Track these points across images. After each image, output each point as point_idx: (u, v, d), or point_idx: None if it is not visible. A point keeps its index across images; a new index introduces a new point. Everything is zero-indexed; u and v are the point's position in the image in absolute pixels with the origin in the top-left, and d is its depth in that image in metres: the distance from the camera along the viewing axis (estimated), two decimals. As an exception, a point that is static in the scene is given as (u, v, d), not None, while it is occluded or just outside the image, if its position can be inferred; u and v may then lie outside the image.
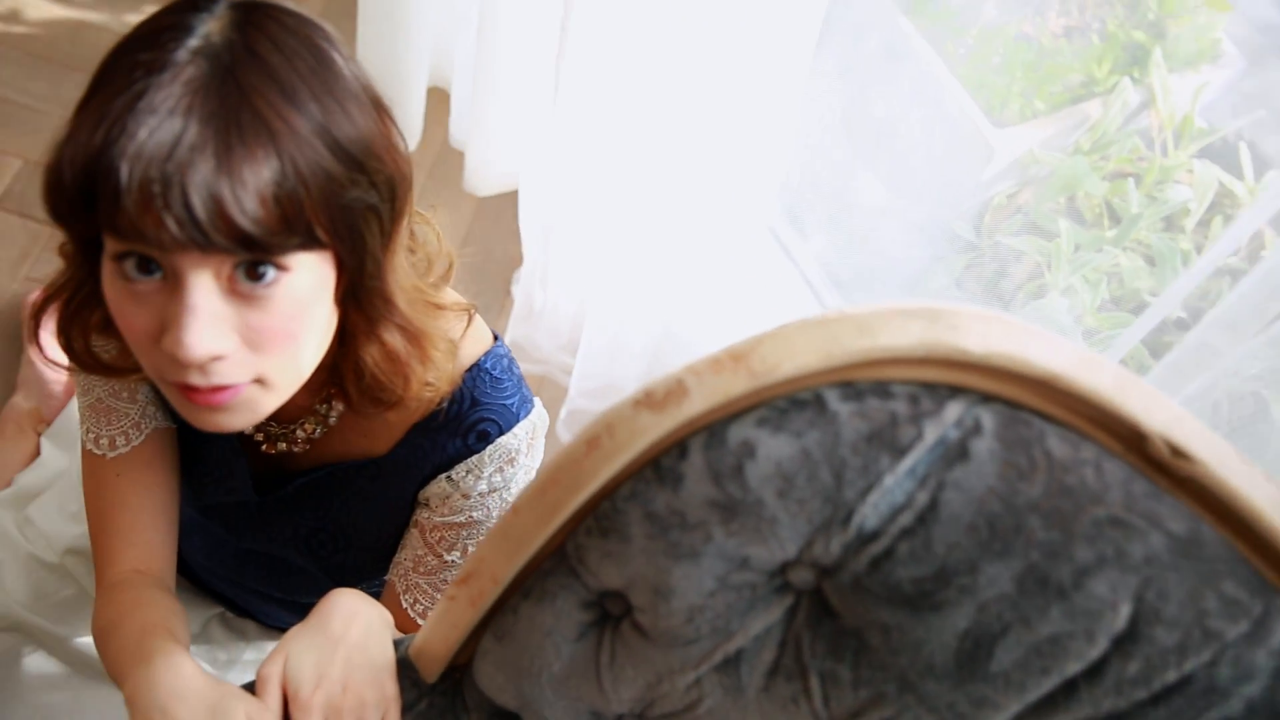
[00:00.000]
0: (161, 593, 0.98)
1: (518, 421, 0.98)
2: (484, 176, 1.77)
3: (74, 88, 1.88)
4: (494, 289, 1.83)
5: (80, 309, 0.88)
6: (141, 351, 0.79)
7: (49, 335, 0.94)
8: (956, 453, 0.63)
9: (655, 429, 0.67)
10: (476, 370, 0.97)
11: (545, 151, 1.55)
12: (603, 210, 1.56)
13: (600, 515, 0.72)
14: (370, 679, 0.86)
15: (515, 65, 1.57)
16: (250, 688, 0.85)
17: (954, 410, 0.64)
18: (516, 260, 1.81)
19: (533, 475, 1.04)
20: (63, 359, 0.94)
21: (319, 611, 0.90)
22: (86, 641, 1.31)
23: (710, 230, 1.50)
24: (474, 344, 0.98)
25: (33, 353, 0.95)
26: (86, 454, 1.02)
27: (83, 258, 0.83)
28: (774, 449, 0.65)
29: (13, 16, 1.98)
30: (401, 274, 0.86)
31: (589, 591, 0.76)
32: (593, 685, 0.78)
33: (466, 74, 1.70)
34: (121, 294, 0.76)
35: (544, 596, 0.77)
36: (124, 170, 0.68)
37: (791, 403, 0.66)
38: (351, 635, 0.88)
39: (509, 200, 1.85)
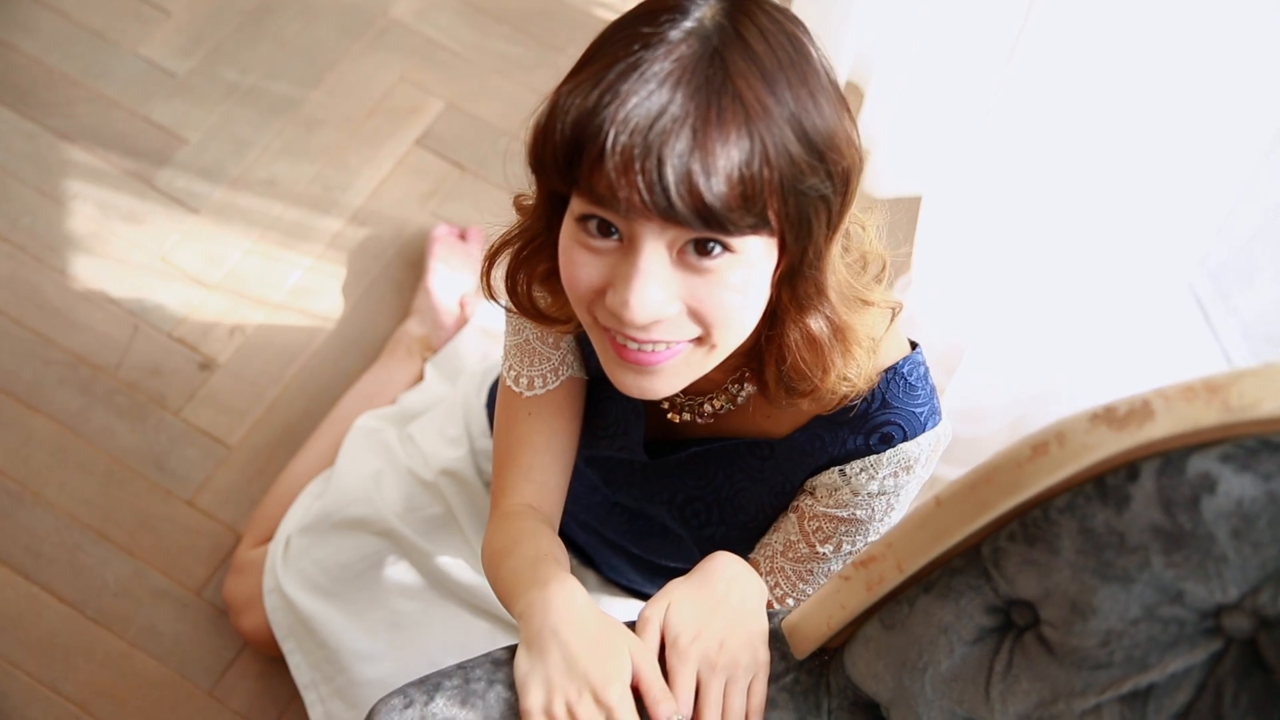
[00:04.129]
0: (549, 528, 1.10)
1: (923, 431, 1.03)
2: (885, 179, 1.83)
3: (501, 40, 2.11)
4: (871, 296, 1.91)
5: (530, 258, 1.01)
6: (582, 303, 0.90)
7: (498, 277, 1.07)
8: None
9: (1109, 445, 0.71)
10: (893, 373, 1.03)
11: (961, 167, 1.60)
12: (1008, 237, 1.59)
13: (1029, 522, 0.77)
14: (745, 642, 0.94)
15: (951, 77, 1.62)
16: (631, 626, 0.95)
17: None
18: (901, 266, 1.86)
19: (919, 488, 1.09)
20: (505, 299, 1.06)
21: (704, 569, 0.99)
22: (446, 561, 1.48)
23: (1123, 278, 1.50)
24: (894, 348, 1.04)
25: (486, 297, 1.08)
26: (505, 389, 1.15)
27: (544, 211, 0.95)
28: (1236, 487, 0.68)
29: (458, -34, 2.23)
30: (836, 266, 0.93)
31: (998, 596, 0.81)
32: (979, 692, 0.83)
33: (887, 75, 1.77)
34: (577, 248, 0.87)
35: (947, 593, 0.83)
36: (611, 134, 0.79)
37: (1263, 444, 0.68)
38: (733, 598, 0.97)
39: (904, 206, 1.91)
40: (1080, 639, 0.76)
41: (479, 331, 1.78)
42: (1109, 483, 0.73)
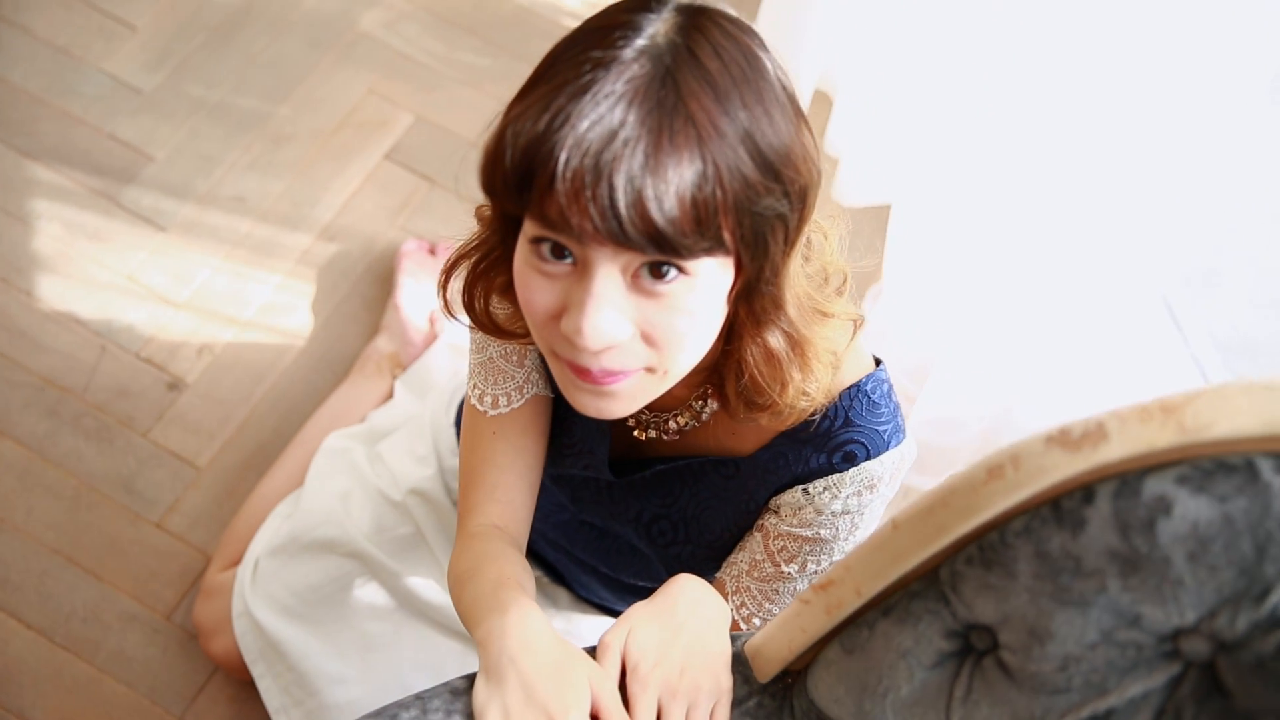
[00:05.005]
0: (514, 550, 1.09)
1: (887, 450, 1.02)
2: (854, 187, 1.82)
3: (469, 51, 2.09)
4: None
5: (487, 271, 0.99)
6: (538, 326, 0.89)
7: (454, 290, 1.05)
8: (1401, 549, 0.63)
9: (1065, 468, 0.70)
10: (855, 391, 1.01)
11: (929, 176, 1.59)
12: (977, 244, 1.58)
13: (986, 546, 0.76)
14: (707, 667, 0.92)
15: (919, 87, 1.61)
16: (591, 652, 0.94)
17: (1404, 504, 0.64)
18: (872, 275, 1.85)
19: (884, 507, 1.08)
20: (463, 315, 1.04)
21: (666, 593, 0.97)
22: (416, 582, 1.46)
23: (1093, 289, 1.49)
24: (856, 365, 1.02)
25: (444, 313, 1.06)
26: (470, 408, 1.14)
27: (499, 226, 0.94)
28: (1192, 509, 0.67)
29: (425, -22, 2.22)
30: (795, 280, 0.92)
31: (956, 621, 0.79)
32: (940, 717, 0.82)
33: (855, 84, 1.76)
34: (531, 271, 0.86)
35: (906, 617, 0.82)
36: (562, 158, 0.77)
37: (1219, 465, 0.67)
38: (695, 622, 0.95)
39: (873, 214, 1.90)
40: (1039, 664, 0.75)
41: (448, 348, 1.77)
42: (1065, 506, 0.72)
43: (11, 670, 1.62)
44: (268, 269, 1.92)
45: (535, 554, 1.47)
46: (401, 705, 0.92)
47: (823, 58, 1.83)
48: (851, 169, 1.81)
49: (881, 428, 1.02)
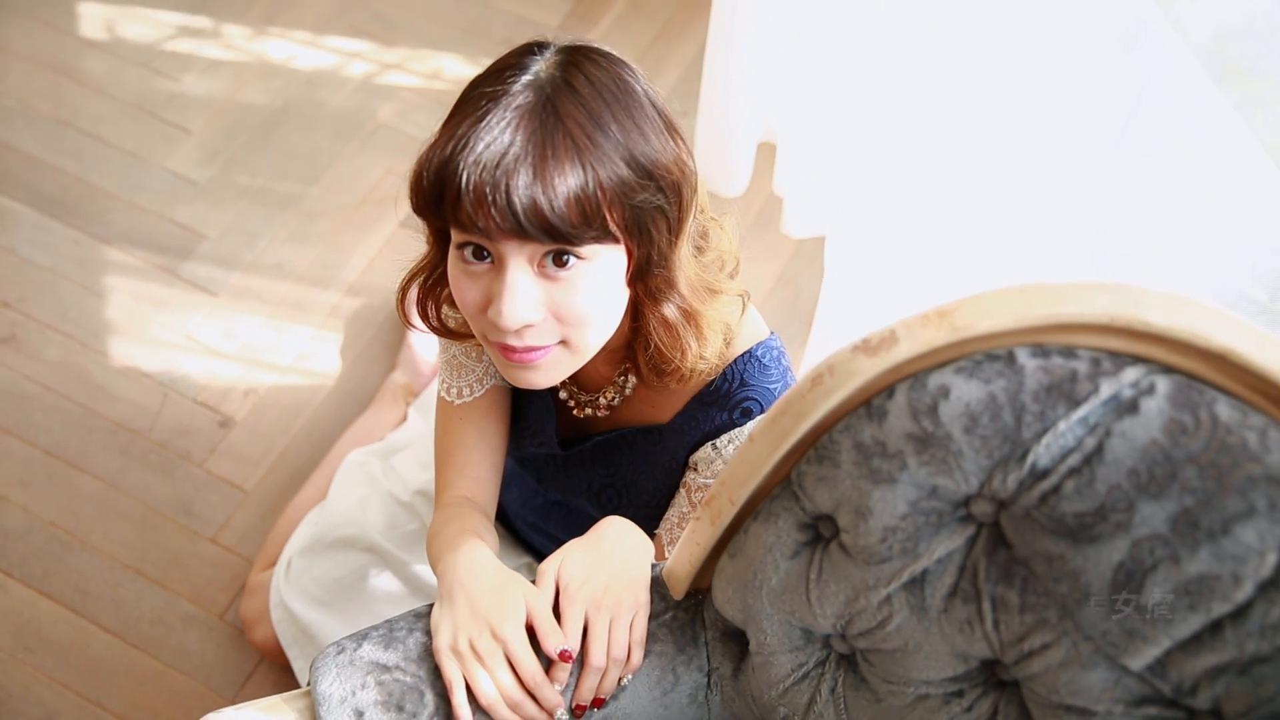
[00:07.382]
0: (480, 514, 1.17)
1: None
2: (800, 221, 1.91)
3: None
4: (800, 322, 1.97)
5: (434, 286, 1.09)
6: (471, 317, 0.99)
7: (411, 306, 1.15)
8: (1127, 407, 0.70)
9: (868, 370, 0.78)
10: (749, 356, 1.09)
11: (855, 202, 1.67)
12: (900, 262, 1.65)
13: (819, 446, 0.83)
14: (628, 587, 1.00)
15: (841, 124, 1.70)
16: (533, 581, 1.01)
17: (1132, 374, 0.71)
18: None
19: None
20: (420, 324, 1.14)
21: (596, 530, 1.05)
22: (422, 569, 1.53)
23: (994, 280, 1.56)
24: (751, 335, 1.11)
25: (403, 324, 1.16)
26: (440, 400, 1.23)
27: (437, 246, 1.04)
28: (965, 392, 0.74)
29: (434, 75, 2.35)
30: (686, 264, 1.01)
31: (805, 514, 0.86)
32: (802, 600, 0.88)
33: (792, 138, 1.86)
34: (460, 274, 0.96)
35: (770, 517, 0.89)
36: (464, 175, 0.88)
37: (986, 356, 0.75)
38: (619, 552, 1.02)
39: (821, 244, 1.98)
40: (865, 538, 0.81)
41: (453, 376, 1.86)
42: (874, 403, 0.79)
43: (92, 667, 1.71)
44: (303, 323, 2.03)
45: (523, 541, 1.54)
46: (374, 627, 1.00)
47: (763, 118, 1.93)
48: (794, 206, 1.89)
49: (772, 386, 1.09)
